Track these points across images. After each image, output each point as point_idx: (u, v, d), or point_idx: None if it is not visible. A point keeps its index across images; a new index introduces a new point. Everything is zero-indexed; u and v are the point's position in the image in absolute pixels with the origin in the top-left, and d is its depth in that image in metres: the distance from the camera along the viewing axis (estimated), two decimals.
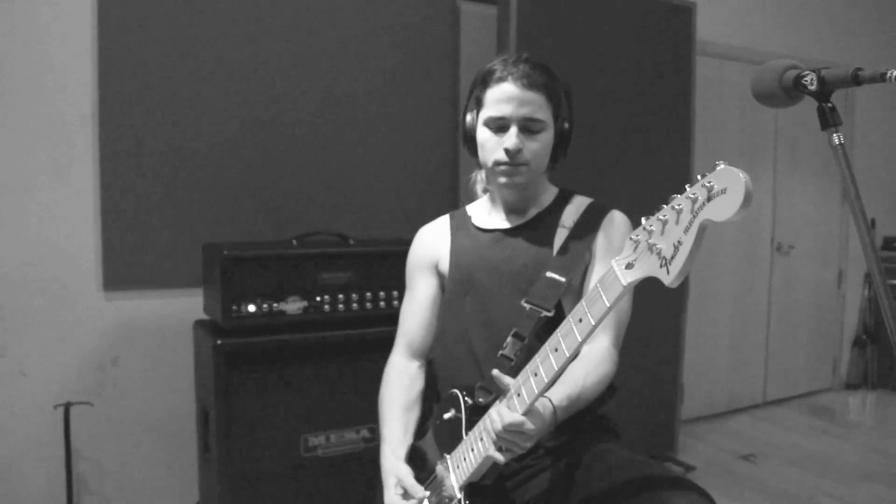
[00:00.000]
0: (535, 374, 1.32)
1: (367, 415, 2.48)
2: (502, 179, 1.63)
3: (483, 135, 1.63)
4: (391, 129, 3.23)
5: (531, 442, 1.36)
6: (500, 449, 1.36)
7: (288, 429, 2.40)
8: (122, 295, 2.80)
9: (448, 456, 1.54)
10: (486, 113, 1.62)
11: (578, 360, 1.55)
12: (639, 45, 3.44)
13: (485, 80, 1.63)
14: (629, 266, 1.16)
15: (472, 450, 1.45)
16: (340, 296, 2.47)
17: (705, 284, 4.45)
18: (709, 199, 1.02)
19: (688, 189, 1.06)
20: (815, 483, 3.57)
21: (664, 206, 1.10)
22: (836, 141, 1.10)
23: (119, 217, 2.76)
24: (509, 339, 1.54)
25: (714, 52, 4.32)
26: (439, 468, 1.56)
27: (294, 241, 2.53)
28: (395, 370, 1.79)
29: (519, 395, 1.34)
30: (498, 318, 1.63)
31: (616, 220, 1.66)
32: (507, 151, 1.58)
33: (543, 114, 1.59)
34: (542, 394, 1.33)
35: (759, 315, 4.86)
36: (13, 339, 2.64)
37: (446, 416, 1.56)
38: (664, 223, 1.09)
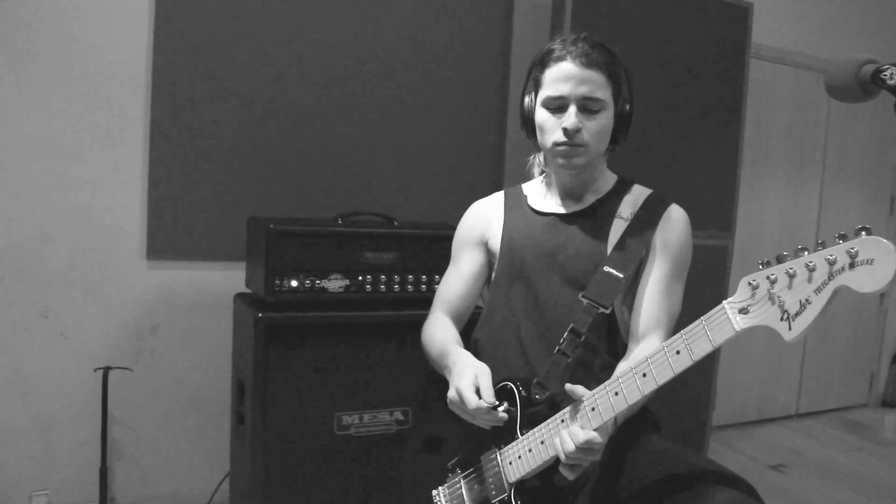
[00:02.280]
0: (616, 394, 1.31)
1: (402, 397, 2.49)
2: (560, 161, 1.61)
3: (541, 115, 1.60)
4: (439, 113, 3.22)
5: (598, 456, 1.36)
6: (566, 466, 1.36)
7: (322, 406, 2.40)
8: (163, 264, 2.83)
9: (499, 450, 1.52)
10: (544, 93, 1.59)
11: (631, 361, 1.53)
12: (692, 43, 3.39)
13: (543, 61, 1.61)
14: (744, 311, 1.13)
15: (530, 450, 1.44)
16: (382, 276, 2.47)
17: None
18: (851, 265, 1.00)
19: (821, 248, 1.04)
20: (845, 498, 3.51)
21: (786, 254, 1.08)
22: None
23: (165, 188, 2.78)
24: (566, 334, 1.52)
25: (766, 56, 4.25)
26: (486, 461, 1.54)
27: (338, 220, 2.54)
28: (435, 318, 1.79)
29: (594, 409, 1.34)
30: (547, 307, 1.61)
31: (676, 216, 1.64)
32: (565, 131, 1.55)
33: (603, 93, 1.56)
34: (617, 414, 1.32)
35: None
36: (56, 302, 2.68)
37: (500, 409, 1.55)
38: (791, 276, 1.07)
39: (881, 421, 4.97)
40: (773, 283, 1.09)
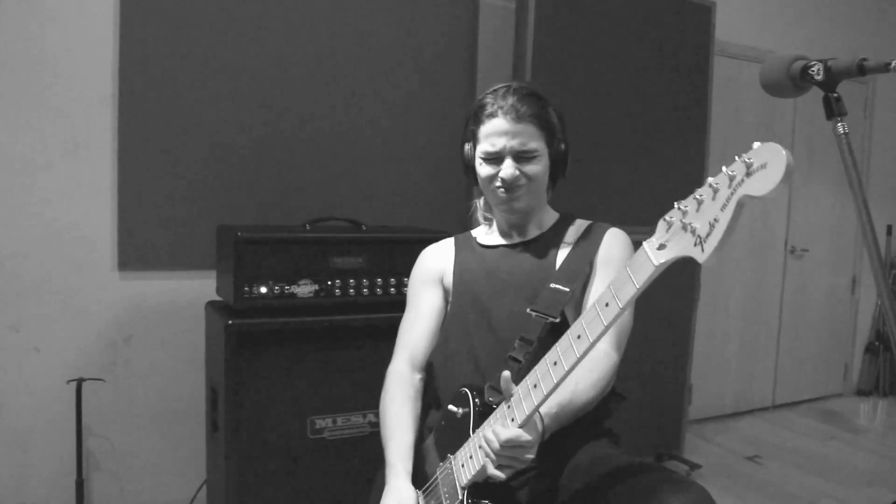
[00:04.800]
0: (555, 363, 1.30)
1: (374, 400, 2.46)
2: (502, 206, 1.71)
3: (481, 169, 1.70)
4: (406, 118, 3.25)
5: (532, 454, 1.36)
6: (499, 466, 1.36)
7: (295, 410, 2.42)
8: (135, 275, 2.84)
9: (452, 456, 1.52)
10: (481, 148, 1.68)
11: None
12: (656, 43, 3.44)
13: (477, 116, 1.69)
14: (661, 247, 1.14)
15: (480, 447, 1.42)
16: (351, 281, 2.49)
17: (717, 285, 4.45)
18: (748, 174, 1.01)
19: (725, 168, 1.05)
20: (821, 486, 3.56)
21: (699, 188, 1.09)
22: (841, 130, 1.12)
23: (135, 198, 2.80)
24: (517, 342, 1.56)
25: (732, 53, 4.32)
26: (441, 473, 1.53)
27: (307, 226, 2.56)
28: (399, 378, 1.77)
29: (536, 385, 1.33)
30: (500, 323, 1.66)
31: (616, 234, 1.72)
32: (503, 181, 1.65)
33: (535, 143, 1.65)
34: (544, 401, 1.32)
35: (771, 318, 4.85)
36: (28, 316, 2.69)
37: (454, 409, 1.56)
38: (700, 202, 1.08)
39: (856, 410, 5.04)
40: (684, 213, 1.10)
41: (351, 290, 2.50)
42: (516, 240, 1.77)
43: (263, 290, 2.37)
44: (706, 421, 4.52)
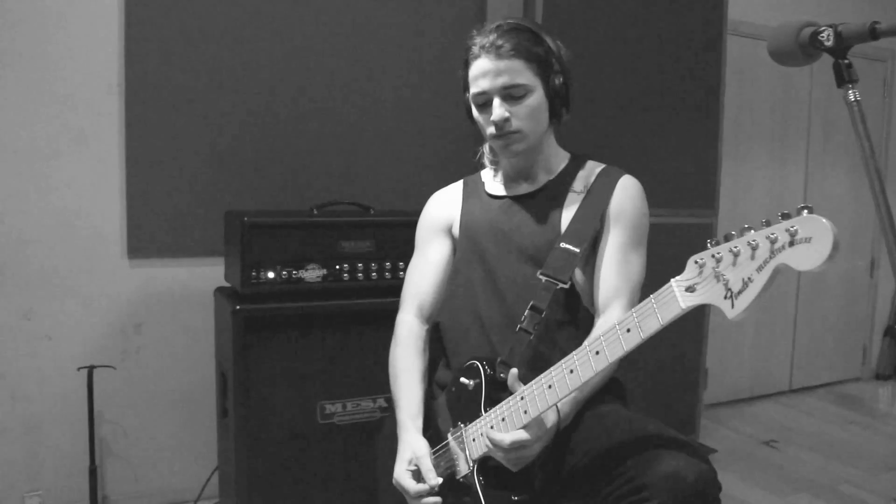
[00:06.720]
0: (572, 371, 1.31)
1: (384, 384, 2.45)
2: (502, 151, 1.66)
3: (475, 112, 1.66)
4: (413, 101, 3.22)
5: (537, 449, 1.39)
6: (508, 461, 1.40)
7: (305, 395, 2.42)
8: (145, 262, 2.84)
9: (464, 427, 1.54)
10: (471, 91, 1.63)
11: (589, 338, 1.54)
12: (668, 22, 3.38)
13: (465, 60, 1.64)
14: (690, 289, 1.14)
15: (492, 427, 1.45)
16: (359, 265, 2.48)
17: None
18: (791, 243, 1.00)
19: (765, 227, 1.04)
20: (838, 471, 3.52)
21: (733, 233, 1.08)
22: (852, 97, 1.09)
23: (143, 186, 2.79)
24: (527, 312, 1.54)
25: (746, 32, 4.25)
26: (452, 437, 1.56)
27: (314, 210, 2.55)
28: (407, 330, 1.77)
29: (550, 386, 1.34)
30: (506, 287, 1.63)
31: (629, 185, 1.65)
32: (494, 124, 1.59)
33: (524, 78, 1.57)
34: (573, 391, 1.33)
35: (787, 301, 4.79)
36: (39, 304, 2.69)
37: (465, 381, 1.56)
38: (735, 255, 1.07)
39: (875, 394, 4.98)
40: (718, 261, 1.09)
41: (359, 275, 2.48)
42: (523, 189, 1.71)
43: (271, 275, 2.36)
44: (722, 405, 4.47)
